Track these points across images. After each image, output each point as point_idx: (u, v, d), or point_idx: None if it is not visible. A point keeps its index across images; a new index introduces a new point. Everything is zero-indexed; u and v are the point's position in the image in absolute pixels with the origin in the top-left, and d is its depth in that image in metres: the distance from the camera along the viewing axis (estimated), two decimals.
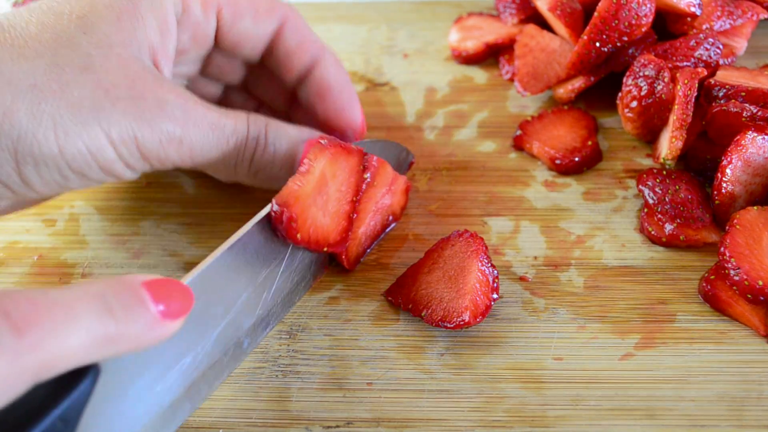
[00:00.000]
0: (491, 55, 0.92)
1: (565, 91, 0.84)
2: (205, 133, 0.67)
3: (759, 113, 0.71)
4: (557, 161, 0.81)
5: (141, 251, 0.81)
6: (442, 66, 0.92)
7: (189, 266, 0.79)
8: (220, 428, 0.69)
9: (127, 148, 0.63)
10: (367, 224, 0.75)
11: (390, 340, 0.73)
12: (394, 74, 0.90)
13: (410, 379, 0.71)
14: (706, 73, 0.76)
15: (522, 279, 0.75)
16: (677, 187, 0.75)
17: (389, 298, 0.75)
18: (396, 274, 0.77)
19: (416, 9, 0.97)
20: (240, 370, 0.72)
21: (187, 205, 0.84)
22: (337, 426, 0.69)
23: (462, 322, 0.70)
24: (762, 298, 0.67)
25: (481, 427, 0.68)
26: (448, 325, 0.70)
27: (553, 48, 0.85)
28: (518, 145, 0.84)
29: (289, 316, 0.75)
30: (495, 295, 0.71)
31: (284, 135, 0.72)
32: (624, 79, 0.78)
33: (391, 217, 0.79)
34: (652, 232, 0.75)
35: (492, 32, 0.90)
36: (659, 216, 0.74)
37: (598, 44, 0.79)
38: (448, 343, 0.72)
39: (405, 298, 0.74)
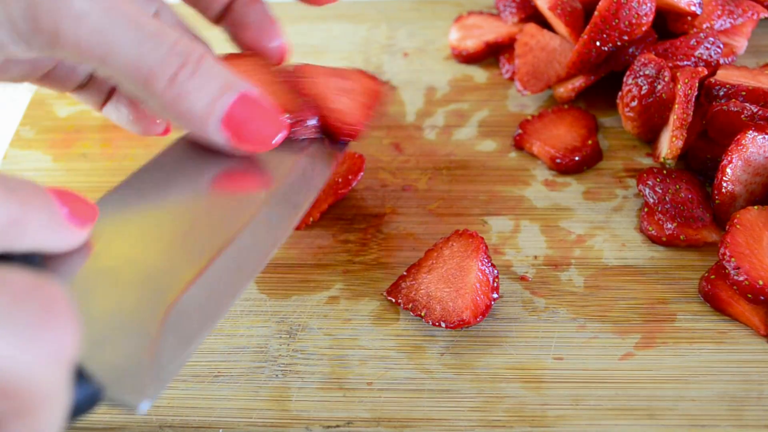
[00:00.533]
0: (491, 54, 0.90)
1: (565, 90, 0.83)
2: (124, 24, 0.57)
3: (759, 112, 0.71)
4: (557, 160, 0.80)
5: None
6: (442, 65, 0.90)
7: None
8: (220, 428, 0.68)
9: (20, 7, 0.55)
10: None
11: (390, 339, 0.72)
12: (394, 73, 0.89)
13: (410, 379, 0.70)
14: (706, 72, 0.75)
15: (522, 278, 0.75)
16: (677, 186, 0.74)
17: (389, 298, 0.74)
18: (396, 274, 0.76)
19: (416, 8, 0.95)
20: (240, 369, 0.71)
21: None
22: (338, 426, 0.68)
23: (462, 322, 0.69)
24: (762, 297, 0.66)
25: (481, 427, 0.67)
26: (449, 325, 0.69)
27: (554, 47, 0.84)
28: (518, 144, 0.83)
29: (289, 315, 0.75)
30: (495, 295, 0.71)
31: (218, 74, 0.60)
32: (624, 79, 0.78)
33: None
34: (652, 232, 0.74)
35: (492, 31, 0.88)
36: (659, 215, 0.74)
37: (598, 43, 0.78)
38: (448, 343, 0.72)
39: (405, 298, 0.73)
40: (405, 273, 0.75)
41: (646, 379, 0.68)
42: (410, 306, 0.72)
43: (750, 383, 0.67)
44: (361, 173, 0.80)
